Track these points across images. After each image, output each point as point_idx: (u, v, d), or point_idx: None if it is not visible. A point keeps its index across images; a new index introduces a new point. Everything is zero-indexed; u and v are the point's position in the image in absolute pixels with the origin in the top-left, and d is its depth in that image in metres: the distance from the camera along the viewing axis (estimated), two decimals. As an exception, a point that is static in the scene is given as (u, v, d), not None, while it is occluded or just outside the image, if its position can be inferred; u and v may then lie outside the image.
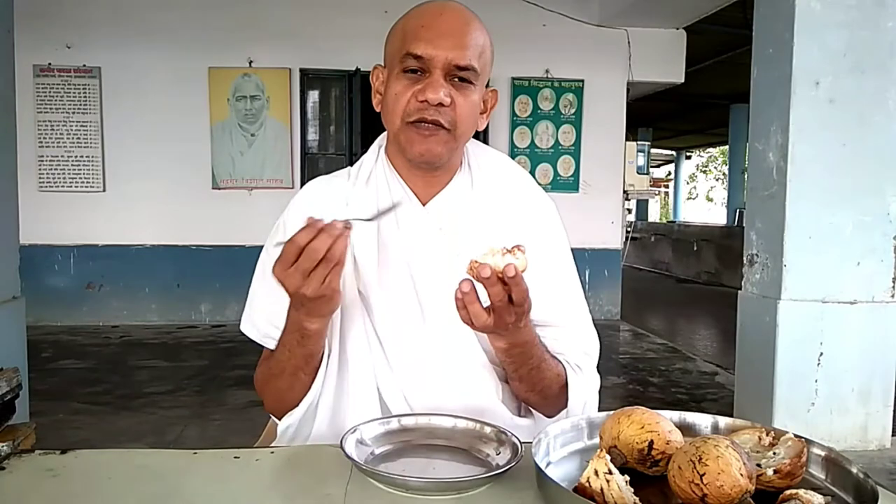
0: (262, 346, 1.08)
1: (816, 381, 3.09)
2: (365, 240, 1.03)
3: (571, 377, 1.02)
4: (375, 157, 1.10)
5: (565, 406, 1.02)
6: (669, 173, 25.26)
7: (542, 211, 1.12)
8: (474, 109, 1.02)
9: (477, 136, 1.11)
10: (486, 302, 0.84)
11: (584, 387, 1.03)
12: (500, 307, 0.83)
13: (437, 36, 0.96)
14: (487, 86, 1.07)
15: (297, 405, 1.01)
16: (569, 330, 1.07)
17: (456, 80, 0.98)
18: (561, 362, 1.02)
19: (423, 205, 1.06)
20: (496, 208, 1.07)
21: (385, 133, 1.09)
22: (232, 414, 3.70)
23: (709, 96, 11.43)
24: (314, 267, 0.82)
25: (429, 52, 0.96)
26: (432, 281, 1.03)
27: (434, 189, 1.07)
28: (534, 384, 1.00)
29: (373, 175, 1.08)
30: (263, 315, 1.06)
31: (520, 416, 1.07)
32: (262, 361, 1.07)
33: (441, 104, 0.96)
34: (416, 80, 0.98)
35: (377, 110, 1.07)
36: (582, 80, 6.49)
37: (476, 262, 0.80)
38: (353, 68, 5.97)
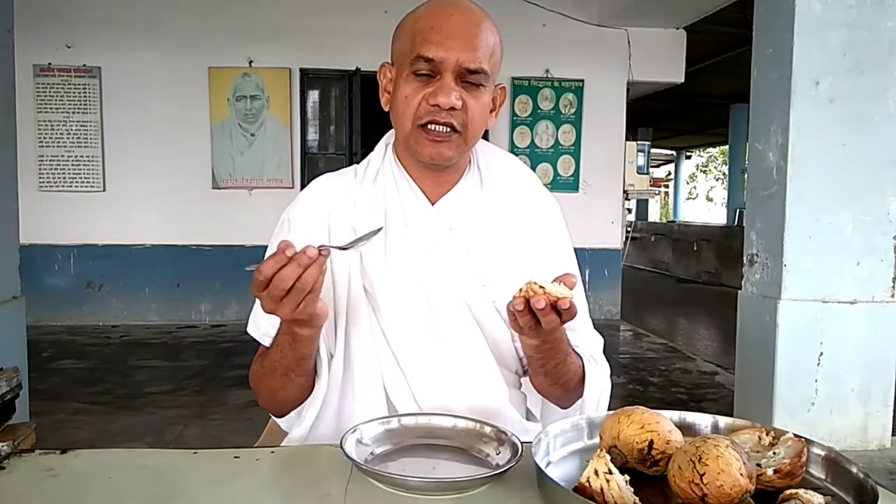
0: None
1: (816, 381, 3.09)
2: (373, 239, 1.03)
3: (589, 368, 1.02)
4: (382, 156, 1.08)
5: (580, 397, 1.02)
6: (669, 173, 25.25)
7: (549, 213, 1.12)
8: (485, 111, 1.01)
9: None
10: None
11: (601, 377, 1.03)
12: (551, 327, 0.85)
13: (446, 38, 0.94)
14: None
15: (293, 405, 1.02)
16: (577, 330, 1.06)
17: (467, 81, 0.97)
18: (579, 354, 1.03)
19: (433, 204, 1.05)
20: (505, 209, 1.07)
21: (392, 131, 1.08)
22: (232, 414, 3.70)
23: (709, 96, 11.43)
24: (284, 295, 0.82)
25: (439, 54, 0.94)
26: (442, 281, 1.02)
27: (443, 189, 1.06)
28: (558, 377, 1.00)
29: (380, 174, 1.07)
30: (265, 314, 1.05)
31: (527, 419, 1.07)
32: (256, 358, 1.07)
33: (453, 108, 0.95)
34: (426, 83, 0.96)
35: (385, 109, 1.05)
36: (582, 80, 6.49)
37: (534, 285, 0.82)
38: (353, 68, 5.97)
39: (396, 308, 1.01)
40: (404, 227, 1.03)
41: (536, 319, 0.84)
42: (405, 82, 0.98)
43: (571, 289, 0.84)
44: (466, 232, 1.04)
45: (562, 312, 0.83)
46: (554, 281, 0.84)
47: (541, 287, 0.82)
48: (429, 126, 0.97)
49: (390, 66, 1.04)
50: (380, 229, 0.91)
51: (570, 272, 0.86)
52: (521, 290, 0.83)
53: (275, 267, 0.80)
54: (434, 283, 1.02)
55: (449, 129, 0.97)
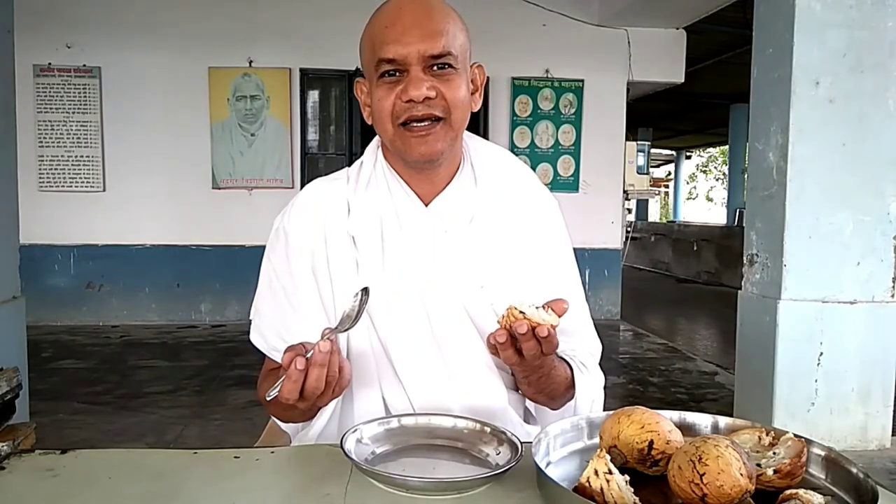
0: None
1: (816, 381, 3.09)
2: (368, 243, 1.01)
3: (579, 377, 1.01)
4: (374, 160, 1.07)
5: (569, 400, 1.01)
6: (669, 173, 25.24)
7: (547, 212, 1.10)
8: (464, 93, 0.98)
9: (476, 132, 1.10)
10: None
11: (592, 385, 1.02)
12: (532, 357, 0.83)
13: (401, 33, 0.93)
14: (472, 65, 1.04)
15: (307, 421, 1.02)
16: (573, 333, 1.05)
17: (436, 68, 0.95)
18: (567, 362, 1.02)
19: (426, 205, 1.03)
20: (501, 208, 1.05)
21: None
22: (232, 414, 3.70)
23: (709, 96, 11.43)
24: (321, 393, 0.82)
25: (399, 51, 0.93)
26: (439, 284, 1.01)
27: (437, 188, 1.04)
28: (542, 388, 0.98)
29: (373, 178, 1.05)
30: (271, 328, 1.04)
31: (527, 422, 1.06)
32: (267, 374, 1.05)
33: (427, 98, 0.94)
34: (396, 82, 0.95)
35: (369, 122, 1.04)
36: (582, 80, 6.49)
37: (514, 310, 0.80)
38: (353, 68, 5.97)
39: (392, 312, 1.00)
40: (398, 229, 1.02)
41: (519, 352, 0.82)
42: (376, 88, 0.97)
43: (561, 315, 0.81)
44: (462, 233, 1.03)
45: (541, 340, 0.80)
46: (544, 305, 0.82)
47: (521, 312, 0.80)
48: (409, 124, 0.96)
49: (364, 81, 1.04)
50: (366, 289, 0.90)
51: (563, 297, 0.84)
52: (502, 316, 0.81)
53: (296, 387, 0.79)
54: (431, 287, 1.01)
55: (430, 121, 0.96)
